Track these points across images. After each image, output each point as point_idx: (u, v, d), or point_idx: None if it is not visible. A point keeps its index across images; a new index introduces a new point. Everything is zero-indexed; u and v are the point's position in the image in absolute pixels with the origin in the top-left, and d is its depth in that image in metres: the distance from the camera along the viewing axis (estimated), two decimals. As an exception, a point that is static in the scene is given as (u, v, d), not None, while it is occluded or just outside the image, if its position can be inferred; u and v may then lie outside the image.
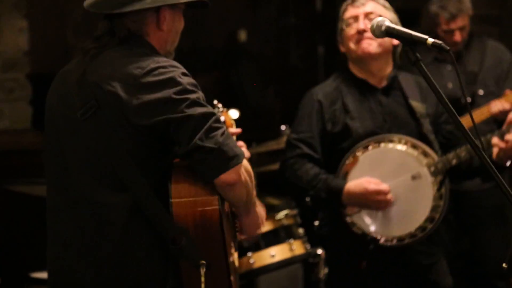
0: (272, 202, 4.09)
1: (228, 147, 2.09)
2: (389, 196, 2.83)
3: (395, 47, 3.01)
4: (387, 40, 2.87)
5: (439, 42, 2.24)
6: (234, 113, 2.88)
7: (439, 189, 2.84)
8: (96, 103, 2.13)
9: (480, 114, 3.94)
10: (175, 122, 2.08)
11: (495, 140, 2.79)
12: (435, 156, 2.87)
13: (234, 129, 2.67)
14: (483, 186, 3.94)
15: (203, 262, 2.16)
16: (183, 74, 2.15)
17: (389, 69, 3.04)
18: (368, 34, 2.87)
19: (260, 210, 2.43)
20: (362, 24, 2.95)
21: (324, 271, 4.06)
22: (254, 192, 2.29)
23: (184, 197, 2.15)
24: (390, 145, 2.87)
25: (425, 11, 4.24)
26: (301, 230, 3.91)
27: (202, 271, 2.15)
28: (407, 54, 2.25)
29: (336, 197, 2.89)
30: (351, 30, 2.99)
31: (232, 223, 2.43)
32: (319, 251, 3.98)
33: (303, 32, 5.58)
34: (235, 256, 2.50)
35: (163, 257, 2.17)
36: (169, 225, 2.13)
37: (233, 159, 2.09)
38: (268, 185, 4.19)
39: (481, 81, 4.12)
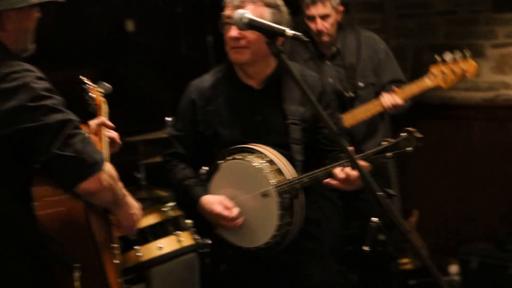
0: (160, 193, 4.06)
1: (87, 154, 2.05)
2: (237, 223, 2.81)
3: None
4: (259, 45, 2.73)
5: (299, 33, 2.28)
6: (105, 87, 2.72)
7: (289, 208, 2.78)
8: None
9: (373, 107, 3.99)
10: (31, 131, 2.02)
11: (337, 170, 2.71)
12: (289, 175, 2.80)
13: (108, 122, 2.59)
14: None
15: (76, 265, 2.11)
16: (38, 78, 2.08)
17: (268, 70, 2.92)
18: (243, 41, 2.79)
19: (133, 201, 2.39)
20: (235, 31, 2.80)
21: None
22: (121, 190, 2.25)
23: (47, 197, 2.10)
24: (248, 158, 2.80)
25: None
26: (189, 221, 3.89)
27: (76, 274, 2.11)
28: (270, 46, 2.28)
29: (194, 206, 2.89)
30: (226, 32, 2.86)
31: (106, 219, 2.38)
32: (209, 241, 3.99)
33: (191, 21, 5.52)
34: (116, 252, 2.45)
35: (34, 264, 2.11)
36: (36, 232, 2.08)
37: (92, 167, 2.06)
38: (156, 177, 4.16)
39: (360, 73, 4.10)
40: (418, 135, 2.73)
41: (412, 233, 2.48)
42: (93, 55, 4.84)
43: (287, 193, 2.76)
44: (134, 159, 4.20)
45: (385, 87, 4.09)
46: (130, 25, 5.22)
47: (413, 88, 3.95)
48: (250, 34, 2.77)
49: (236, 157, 2.82)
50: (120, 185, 2.23)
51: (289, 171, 2.80)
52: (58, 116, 2.04)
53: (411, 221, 4.99)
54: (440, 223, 5.33)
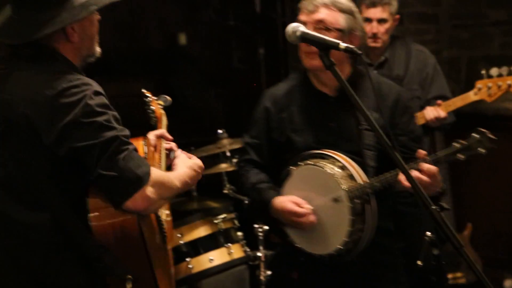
0: (211, 204, 4.08)
1: (130, 171, 2.06)
2: (310, 218, 2.79)
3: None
4: (331, 51, 2.52)
5: (351, 46, 2.28)
6: (165, 100, 2.74)
7: (360, 213, 2.75)
8: (5, 122, 2.09)
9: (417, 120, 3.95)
10: (81, 150, 2.05)
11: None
12: (360, 180, 2.76)
13: (167, 135, 2.59)
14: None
15: (129, 276, 2.13)
16: (95, 93, 2.10)
17: (342, 76, 2.72)
18: (314, 48, 2.62)
19: (190, 164, 2.36)
20: None
21: (265, 273, 4.08)
22: (176, 182, 2.23)
23: (101, 208, 2.12)
24: (320, 164, 2.79)
25: None
26: (239, 233, 3.91)
27: (129, 286, 2.13)
28: (322, 58, 2.28)
29: (266, 209, 2.87)
30: None
31: (160, 230, 2.40)
32: (259, 254, 4.00)
33: (243, 34, 5.56)
34: (170, 263, 2.46)
35: (88, 274, 2.14)
36: (90, 244, 2.10)
37: (135, 184, 2.07)
38: (207, 188, 4.19)
39: (406, 85, 4.01)
40: (491, 135, 2.66)
41: (465, 247, 2.43)
42: (146, 68, 4.91)
43: (359, 198, 2.74)
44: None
45: (430, 102, 4.04)
46: (182, 38, 5.28)
47: (457, 102, 3.92)
48: None
49: (308, 162, 2.82)
50: (172, 179, 2.21)
51: (360, 177, 2.78)
52: (108, 134, 2.06)
53: (465, 235, 4.91)
54: (495, 236, 5.23)
